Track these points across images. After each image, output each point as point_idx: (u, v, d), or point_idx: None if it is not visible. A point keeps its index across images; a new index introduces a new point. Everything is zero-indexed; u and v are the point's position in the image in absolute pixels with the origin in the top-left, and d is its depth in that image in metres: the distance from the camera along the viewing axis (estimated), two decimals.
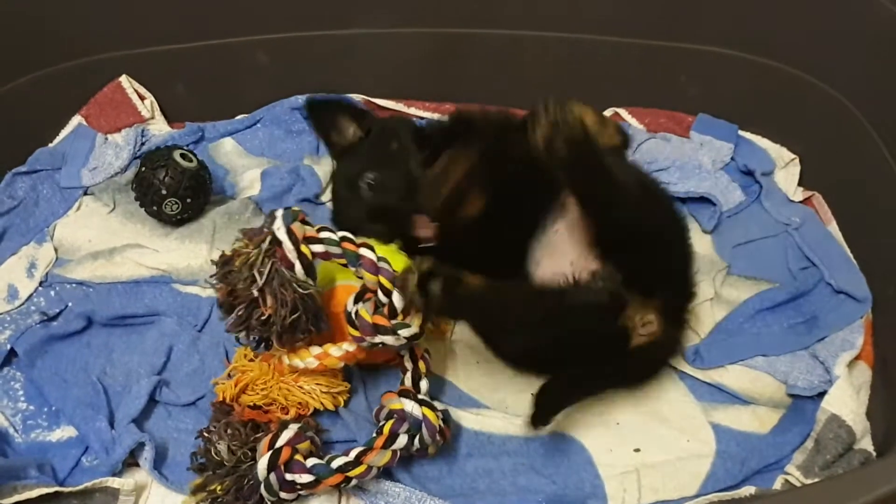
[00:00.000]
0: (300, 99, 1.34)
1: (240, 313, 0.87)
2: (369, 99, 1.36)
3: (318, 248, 0.88)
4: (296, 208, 0.89)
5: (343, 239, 0.89)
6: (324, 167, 1.27)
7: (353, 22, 1.30)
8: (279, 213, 0.87)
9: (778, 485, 0.90)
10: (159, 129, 1.34)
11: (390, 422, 0.88)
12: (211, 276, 0.89)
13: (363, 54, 1.33)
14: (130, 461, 0.94)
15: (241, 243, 0.88)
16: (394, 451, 0.87)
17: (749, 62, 1.23)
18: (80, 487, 0.88)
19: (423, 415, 0.88)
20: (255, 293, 0.86)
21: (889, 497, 0.63)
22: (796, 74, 1.20)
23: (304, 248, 0.87)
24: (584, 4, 1.26)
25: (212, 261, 0.90)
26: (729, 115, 1.29)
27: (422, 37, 1.31)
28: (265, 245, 0.86)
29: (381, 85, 1.36)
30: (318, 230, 0.89)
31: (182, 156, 1.15)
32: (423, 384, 0.94)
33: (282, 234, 0.86)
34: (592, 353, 0.92)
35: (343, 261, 0.89)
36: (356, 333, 0.88)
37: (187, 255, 1.15)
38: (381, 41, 1.32)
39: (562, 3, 1.26)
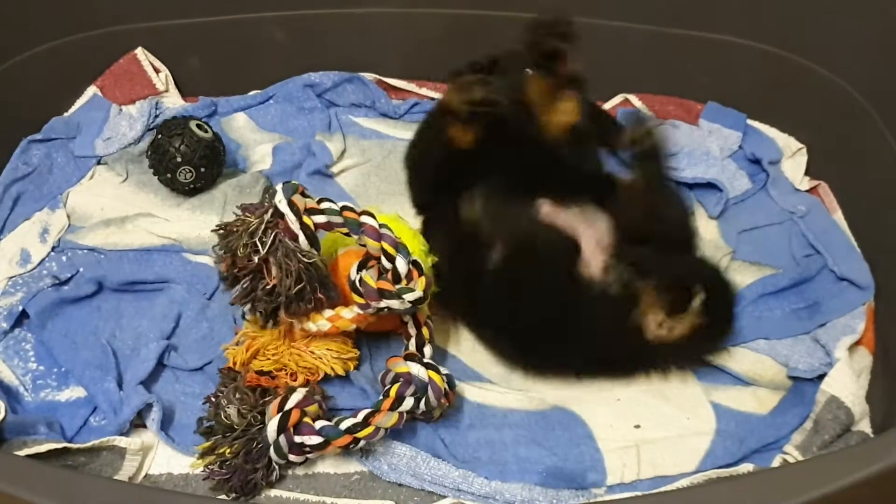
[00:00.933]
0: (313, 76, 1.36)
1: (245, 285, 0.89)
2: (381, 78, 1.37)
3: (320, 218, 0.89)
4: (295, 182, 0.90)
5: (344, 208, 0.90)
6: (335, 143, 1.28)
7: (368, 1, 1.31)
8: (279, 186, 0.89)
9: (776, 464, 0.91)
10: (173, 102, 1.35)
11: (396, 385, 0.89)
12: (214, 246, 0.90)
13: (377, 34, 1.34)
14: (137, 422, 0.95)
15: (241, 217, 0.90)
16: (400, 413, 0.88)
17: (760, 51, 1.24)
18: (88, 445, 0.89)
19: (429, 377, 0.89)
20: (258, 262, 0.87)
21: (883, 474, 0.64)
22: (806, 65, 1.21)
23: (306, 218, 0.88)
24: None
25: (212, 230, 0.91)
26: (738, 103, 1.30)
27: (435, 18, 1.32)
28: (267, 216, 0.87)
29: (393, 65, 1.37)
30: (319, 201, 0.90)
31: (198, 126, 1.17)
32: (427, 349, 0.95)
33: (283, 207, 0.87)
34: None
35: (345, 229, 0.90)
36: (361, 301, 0.90)
37: (198, 225, 1.16)
38: (395, 21, 1.33)
39: None
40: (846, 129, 1.17)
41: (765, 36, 1.23)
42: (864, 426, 0.93)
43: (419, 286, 0.91)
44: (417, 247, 0.99)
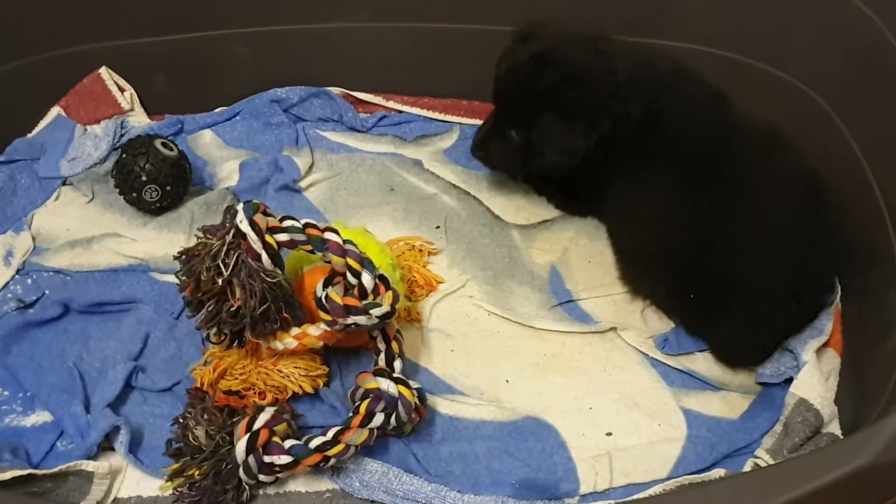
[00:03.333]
0: (280, 92, 1.36)
1: (209, 308, 0.88)
2: (348, 92, 1.37)
3: (282, 237, 0.89)
4: (256, 201, 0.90)
5: (307, 225, 0.90)
6: (303, 158, 1.28)
7: (332, 16, 1.31)
8: (240, 206, 0.88)
9: (747, 468, 0.91)
10: (139, 120, 1.34)
11: (366, 401, 0.89)
12: (177, 272, 0.89)
13: (342, 48, 1.34)
14: (105, 445, 0.94)
15: (203, 239, 0.89)
16: (371, 430, 0.88)
17: (723, 58, 1.25)
18: (55, 470, 0.88)
19: (399, 392, 0.89)
20: (221, 283, 0.86)
21: (854, 475, 0.64)
22: (767, 70, 1.22)
23: (268, 238, 0.87)
24: (559, 0, 1.27)
25: (174, 256, 0.90)
26: None
27: (400, 31, 1.32)
28: (229, 237, 0.87)
29: (359, 79, 1.37)
30: (281, 219, 0.90)
31: (163, 144, 1.16)
32: (397, 364, 0.95)
33: (245, 227, 0.86)
34: None
35: (309, 247, 0.90)
36: (328, 318, 0.89)
37: (165, 244, 1.15)
38: (360, 36, 1.33)
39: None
40: (807, 129, 1.18)
41: (727, 43, 1.24)
42: (834, 428, 0.94)
43: (386, 301, 0.90)
44: (385, 261, 0.99)
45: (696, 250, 1.00)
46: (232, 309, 0.87)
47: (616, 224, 1.15)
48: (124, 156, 1.15)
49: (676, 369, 1.01)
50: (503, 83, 1.13)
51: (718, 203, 1.00)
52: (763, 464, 0.91)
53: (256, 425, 0.87)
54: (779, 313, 0.99)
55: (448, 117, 1.36)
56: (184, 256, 0.89)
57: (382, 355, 0.95)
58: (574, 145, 1.08)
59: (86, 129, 1.31)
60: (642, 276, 1.08)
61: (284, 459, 0.86)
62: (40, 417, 0.98)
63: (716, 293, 0.99)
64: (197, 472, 0.87)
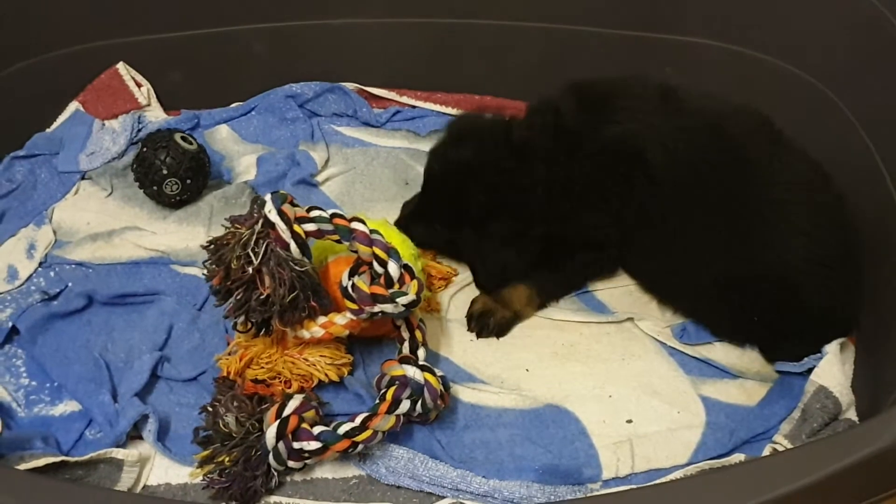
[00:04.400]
0: (295, 87, 1.37)
1: (238, 297, 0.89)
2: (362, 87, 1.38)
3: (310, 226, 0.90)
4: (283, 192, 0.91)
5: (334, 216, 0.92)
6: (319, 152, 1.29)
7: (346, 12, 1.33)
8: (268, 196, 0.90)
9: (766, 453, 0.93)
10: (156, 115, 1.36)
11: (393, 388, 0.90)
12: (205, 261, 0.91)
13: (356, 44, 1.36)
14: (133, 434, 0.95)
15: (231, 229, 0.90)
16: (397, 416, 0.89)
17: (731, 52, 1.27)
18: (86, 458, 0.89)
19: (425, 379, 0.91)
20: (252, 272, 0.88)
21: (871, 459, 0.66)
22: (776, 63, 1.24)
23: (297, 227, 0.89)
24: None
25: (202, 246, 0.92)
26: None
27: (413, 27, 1.34)
28: (258, 227, 0.88)
29: (373, 74, 1.39)
30: (308, 210, 0.91)
31: (183, 138, 1.18)
32: (421, 352, 0.96)
33: (274, 216, 0.88)
34: None
35: (336, 237, 0.92)
36: (353, 307, 0.91)
37: (185, 237, 1.17)
38: (375, 31, 1.35)
39: None
40: (818, 124, 1.20)
41: (735, 37, 1.27)
42: (851, 414, 0.96)
43: (412, 289, 0.92)
44: (407, 251, 1.00)
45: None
46: (261, 297, 0.88)
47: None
48: (145, 150, 1.17)
49: (694, 358, 1.03)
50: (431, 183, 1.10)
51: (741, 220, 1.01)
52: (782, 449, 0.92)
53: (286, 412, 0.88)
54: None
55: (461, 112, 1.37)
56: (212, 246, 0.90)
57: (406, 343, 0.97)
58: (508, 262, 1.07)
59: (104, 124, 1.32)
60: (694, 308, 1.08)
61: (314, 445, 0.87)
62: (68, 407, 0.99)
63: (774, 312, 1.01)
64: (227, 459, 0.88)
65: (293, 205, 0.91)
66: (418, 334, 0.98)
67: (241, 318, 0.92)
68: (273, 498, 0.90)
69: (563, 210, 1.03)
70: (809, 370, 0.98)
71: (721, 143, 1.03)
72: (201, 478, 0.89)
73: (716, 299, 1.03)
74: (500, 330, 1.07)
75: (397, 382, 0.91)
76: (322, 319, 0.93)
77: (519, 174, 1.02)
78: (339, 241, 0.92)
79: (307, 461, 0.89)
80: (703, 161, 1.01)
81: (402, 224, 1.10)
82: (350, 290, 0.91)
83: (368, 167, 1.29)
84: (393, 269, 0.91)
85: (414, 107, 1.39)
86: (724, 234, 1.00)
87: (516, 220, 1.04)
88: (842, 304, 1.02)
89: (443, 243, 1.12)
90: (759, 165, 1.02)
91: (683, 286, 1.06)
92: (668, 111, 1.04)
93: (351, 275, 0.92)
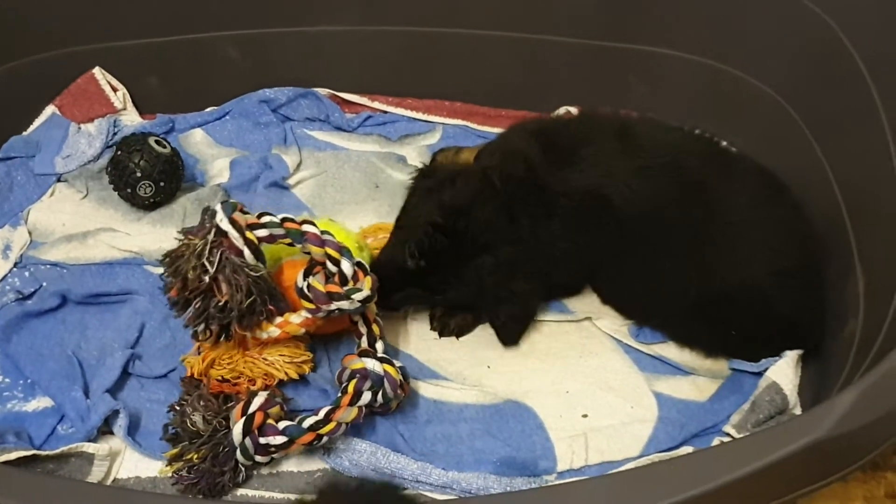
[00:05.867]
0: (268, 92, 1.40)
1: (197, 306, 0.92)
2: (335, 93, 1.42)
3: (262, 232, 0.94)
4: (233, 200, 0.95)
5: (284, 220, 0.95)
6: (291, 156, 1.32)
7: (320, 20, 1.36)
8: (218, 206, 0.93)
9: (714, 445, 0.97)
10: (131, 119, 1.38)
11: (354, 381, 0.94)
12: (161, 274, 0.94)
13: (330, 50, 1.39)
14: (104, 430, 0.98)
15: (184, 241, 0.93)
16: (360, 408, 0.93)
17: (693, 63, 1.31)
18: (57, 452, 0.92)
19: (385, 371, 0.94)
20: (208, 281, 0.91)
21: (811, 446, 0.69)
22: (736, 74, 1.28)
23: (249, 234, 0.92)
24: (541, 6, 1.33)
25: (157, 260, 0.94)
26: (674, 112, 1.35)
27: (385, 35, 1.37)
28: (210, 236, 0.91)
29: (346, 80, 1.42)
30: (259, 216, 0.95)
31: (157, 142, 1.20)
32: (380, 345, 1.00)
33: (225, 225, 0.91)
34: None
35: (288, 240, 0.95)
36: (310, 306, 0.94)
37: (159, 238, 1.19)
38: (348, 38, 1.38)
39: (520, 5, 1.33)
40: (774, 133, 1.24)
41: (697, 48, 1.30)
42: (797, 411, 1.00)
43: (366, 285, 0.95)
44: (351, 244, 1.02)
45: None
46: (219, 304, 0.91)
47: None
48: (119, 153, 1.20)
49: (648, 355, 1.07)
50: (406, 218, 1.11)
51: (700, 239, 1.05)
52: (729, 436, 0.97)
53: (251, 409, 0.91)
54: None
55: (431, 117, 1.41)
56: (167, 259, 0.93)
57: (364, 338, 1.00)
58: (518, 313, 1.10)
59: (80, 128, 1.35)
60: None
61: (279, 440, 0.90)
62: (41, 403, 1.02)
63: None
64: (195, 456, 0.91)
65: (244, 212, 0.94)
66: (375, 328, 1.01)
67: (202, 327, 0.94)
68: (240, 491, 0.93)
69: (543, 262, 1.06)
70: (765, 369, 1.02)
71: (678, 175, 1.06)
72: (171, 475, 0.92)
73: (690, 319, 1.07)
74: (461, 331, 1.10)
75: (358, 375, 0.94)
76: (278, 320, 0.96)
77: (509, 231, 1.04)
78: (291, 245, 0.96)
79: (274, 455, 0.93)
80: (664, 194, 1.05)
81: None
82: (306, 290, 0.94)
83: (340, 170, 1.32)
84: (346, 267, 0.95)
85: (385, 112, 1.42)
86: (691, 259, 1.04)
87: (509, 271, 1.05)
88: (809, 310, 1.05)
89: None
90: (715, 190, 1.06)
91: (657, 310, 1.10)
92: (626, 152, 1.07)
93: (305, 275, 0.95)
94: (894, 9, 1.01)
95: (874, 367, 0.72)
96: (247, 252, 0.92)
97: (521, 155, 1.08)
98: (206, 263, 0.90)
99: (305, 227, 0.94)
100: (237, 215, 0.92)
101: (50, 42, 1.32)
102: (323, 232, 0.95)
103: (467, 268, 1.03)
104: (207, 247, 0.91)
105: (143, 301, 1.12)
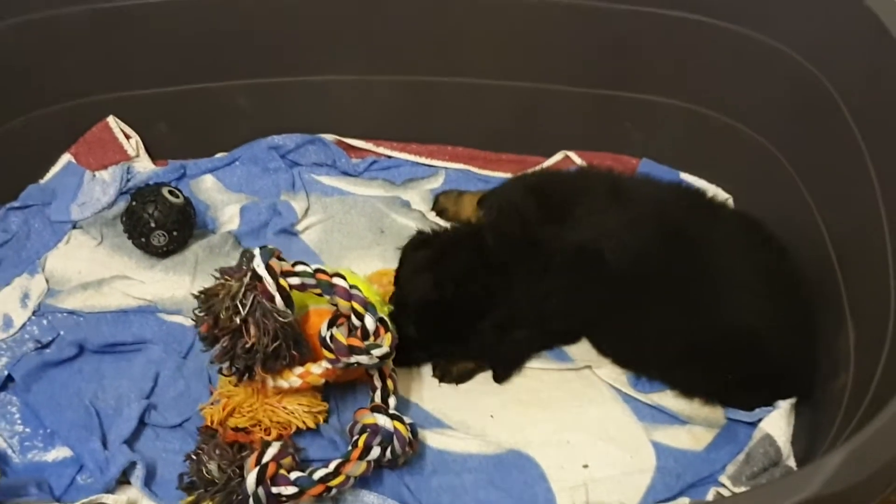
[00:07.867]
0: (277, 139, 1.44)
1: (224, 344, 0.96)
2: (341, 139, 1.46)
3: (294, 280, 0.98)
4: (271, 246, 0.99)
5: (317, 271, 0.99)
6: (300, 202, 1.36)
7: (327, 70, 1.40)
8: (257, 251, 0.97)
9: (710, 496, 1.00)
10: (144, 166, 1.42)
11: (364, 435, 0.97)
12: (195, 309, 0.98)
13: (336, 99, 1.43)
14: (122, 479, 1.01)
15: (221, 280, 0.97)
16: (368, 462, 0.96)
17: (687, 110, 1.35)
18: (78, 503, 0.96)
19: (395, 428, 0.98)
20: (239, 322, 0.95)
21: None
22: (728, 122, 1.32)
23: (282, 281, 0.96)
24: (541, 57, 1.36)
25: (193, 295, 0.98)
26: (669, 157, 1.40)
27: (389, 84, 1.41)
28: (246, 280, 0.95)
29: (351, 126, 1.46)
30: (294, 264, 0.99)
31: (170, 192, 1.24)
32: (392, 400, 1.03)
33: (262, 271, 0.95)
34: None
35: (318, 290, 0.99)
36: (331, 356, 0.98)
37: (171, 285, 1.23)
38: (352, 87, 1.42)
39: (519, 55, 1.37)
40: (764, 179, 1.28)
41: (691, 96, 1.34)
42: (791, 462, 1.03)
43: (386, 342, 0.99)
44: (374, 297, 1.04)
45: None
46: (246, 345, 0.95)
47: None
48: (134, 203, 1.24)
49: (647, 405, 1.11)
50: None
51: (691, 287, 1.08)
52: (724, 491, 1.00)
53: (265, 459, 0.95)
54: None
55: (434, 161, 1.46)
56: (203, 296, 0.97)
57: (378, 392, 1.04)
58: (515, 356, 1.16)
59: (94, 175, 1.38)
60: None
61: (290, 490, 0.94)
62: (60, 453, 1.05)
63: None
64: None
65: (280, 259, 0.98)
66: (390, 383, 1.05)
67: (226, 364, 0.98)
68: None
69: (537, 316, 1.10)
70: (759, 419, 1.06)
71: (666, 228, 1.10)
72: None
73: (686, 367, 1.10)
74: (461, 378, 1.14)
75: (369, 430, 0.98)
76: (299, 370, 0.99)
77: (505, 293, 1.08)
78: (320, 295, 0.99)
79: None
80: (654, 247, 1.09)
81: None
82: (329, 340, 0.98)
83: (346, 216, 1.36)
84: (369, 322, 0.99)
85: (390, 157, 1.46)
86: (684, 308, 1.07)
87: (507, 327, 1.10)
88: (800, 352, 1.08)
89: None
90: (701, 240, 1.10)
91: (653, 359, 1.13)
92: (617, 206, 1.12)
93: (329, 326, 0.99)
94: (879, 61, 1.05)
95: (863, 427, 0.75)
96: (278, 298, 0.95)
97: (518, 212, 1.13)
98: (239, 305, 0.94)
99: (335, 280, 0.99)
100: (273, 262, 0.96)
101: (66, 93, 1.36)
102: (351, 286, 0.99)
103: (467, 333, 1.08)
104: (242, 289, 0.94)
105: (157, 350, 1.15)
